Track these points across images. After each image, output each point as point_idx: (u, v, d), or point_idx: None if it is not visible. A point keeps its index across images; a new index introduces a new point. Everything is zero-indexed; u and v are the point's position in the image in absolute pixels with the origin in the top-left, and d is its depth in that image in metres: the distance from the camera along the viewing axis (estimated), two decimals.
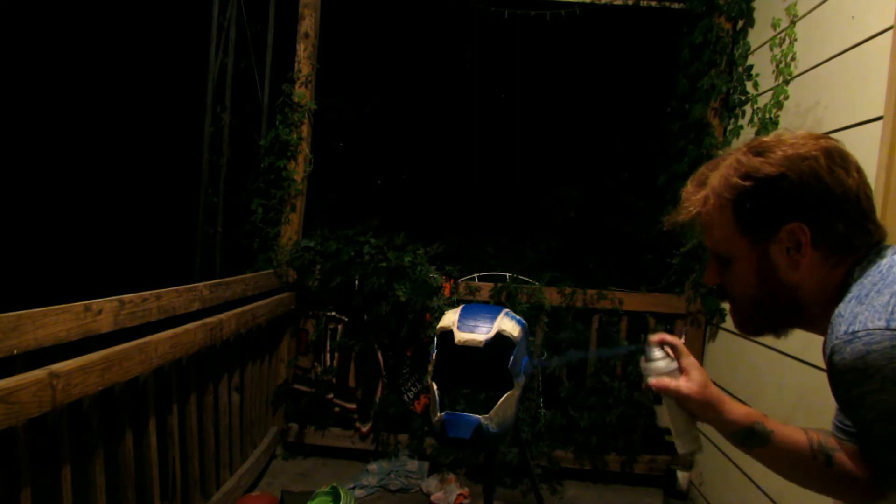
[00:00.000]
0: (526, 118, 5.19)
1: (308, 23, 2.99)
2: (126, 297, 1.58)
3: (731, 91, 2.63)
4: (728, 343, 2.56)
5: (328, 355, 2.97)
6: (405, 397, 2.93)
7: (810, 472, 0.85)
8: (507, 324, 1.73)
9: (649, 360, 0.92)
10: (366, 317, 2.89)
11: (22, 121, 5.02)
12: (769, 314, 0.83)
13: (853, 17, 1.75)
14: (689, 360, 0.92)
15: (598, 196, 5.22)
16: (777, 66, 2.22)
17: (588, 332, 2.92)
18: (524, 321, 1.86)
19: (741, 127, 2.55)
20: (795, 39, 2.13)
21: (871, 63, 1.64)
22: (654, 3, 2.99)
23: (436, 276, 2.86)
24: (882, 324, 0.64)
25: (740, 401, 2.29)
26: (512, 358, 1.71)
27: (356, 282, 2.85)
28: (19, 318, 1.20)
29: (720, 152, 0.87)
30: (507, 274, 2.97)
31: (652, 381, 0.91)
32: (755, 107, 2.43)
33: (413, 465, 2.82)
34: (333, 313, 2.96)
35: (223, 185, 3.35)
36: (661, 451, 2.88)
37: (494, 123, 5.26)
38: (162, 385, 1.83)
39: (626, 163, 5.11)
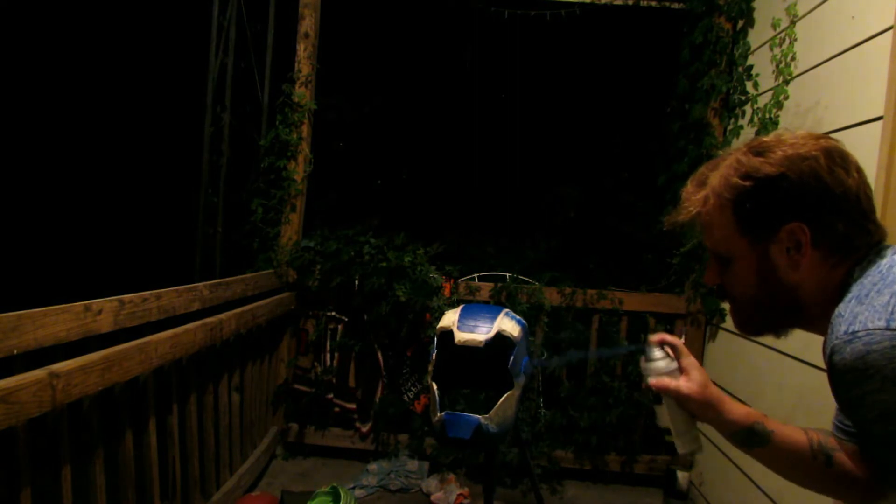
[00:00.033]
0: (526, 118, 5.18)
1: (308, 23, 2.99)
2: (126, 297, 1.58)
3: (731, 91, 2.63)
4: (728, 343, 2.56)
5: (328, 355, 2.97)
6: (405, 397, 2.93)
7: (810, 472, 0.85)
8: (507, 324, 1.73)
9: (649, 360, 0.93)
10: (366, 317, 2.89)
11: (22, 121, 5.02)
12: (769, 314, 0.83)
13: (853, 17, 1.75)
14: (689, 360, 0.92)
15: (598, 196, 5.21)
16: (777, 66, 2.22)
17: (588, 332, 2.92)
18: (524, 321, 1.86)
19: (741, 127, 2.55)
20: (795, 39, 2.13)
21: (871, 63, 1.64)
22: (654, 3, 2.99)
23: (436, 276, 2.86)
24: (882, 324, 0.64)
25: (740, 401, 2.28)
26: (512, 358, 1.71)
27: (356, 282, 2.85)
28: (19, 318, 1.20)
29: (720, 152, 0.87)
30: (507, 274, 2.97)
31: (652, 381, 0.91)
32: (755, 107, 2.43)
33: (413, 465, 2.82)
34: (333, 313, 2.97)
35: (223, 185, 3.35)
36: (661, 451, 2.88)
37: (494, 123, 5.26)
38: (162, 385, 1.82)
39: (626, 163, 5.11)
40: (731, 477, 2.27)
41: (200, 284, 2.06)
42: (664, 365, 0.91)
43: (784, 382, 1.95)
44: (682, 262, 2.81)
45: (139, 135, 5.49)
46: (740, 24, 2.64)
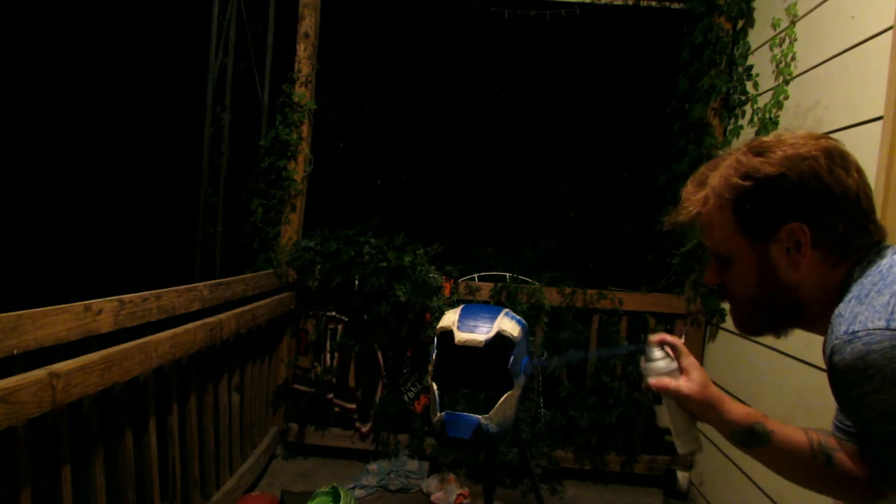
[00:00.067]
0: (526, 118, 5.18)
1: (308, 23, 2.99)
2: (126, 297, 1.58)
3: (731, 91, 2.63)
4: (728, 343, 2.56)
5: (328, 355, 2.97)
6: (405, 397, 2.93)
7: (810, 472, 0.85)
8: (507, 324, 1.73)
9: (649, 360, 0.92)
10: (366, 317, 2.89)
11: (23, 121, 5.02)
12: (769, 314, 0.83)
13: (853, 17, 1.75)
14: (689, 360, 0.92)
15: (598, 196, 5.21)
16: (777, 66, 2.22)
17: (588, 332, 2.92)
18: (524, 321, 1.86)
19: (741, 127, 2.55)
20: (795, 39, 2.13)
21: (871, 63, 1.64)
22: (654, 3, 2.99)
23: (436, 276, 2.86)
24: (882, 324, 0.64)
25: (740, 401, 2.28)
26: (512, 358, 1.71)
27: (356, 282, 2.85)
28: (19, 318, 1.20)
29: (720, 152, 0.87)
30: (507, 274, 2.97)
31: (652, 381, 0.91)
32: (755, 107, 2.43)
33: (413, 465, 2.82)
34: (333, 313, 2.96)
35: (223, 185, 3.35)
36: (661, 451, 2.89)
37: (494, 123, 5.26)
38: (162, 385, 1.82)
39: (626, 163, 5.11)
40: (731, 477, 2.27)
41: (200, 284, 2.06)
42: (664, 365, 0.91)
43: (784, 382, 1.95)
44: (682, 262, 2.81)
45: (139, 135, 5.49)
46: (740, 24, 2.64)
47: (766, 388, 2.10)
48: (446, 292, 2.86)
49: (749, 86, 2.52)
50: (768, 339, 1.87)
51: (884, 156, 1.50)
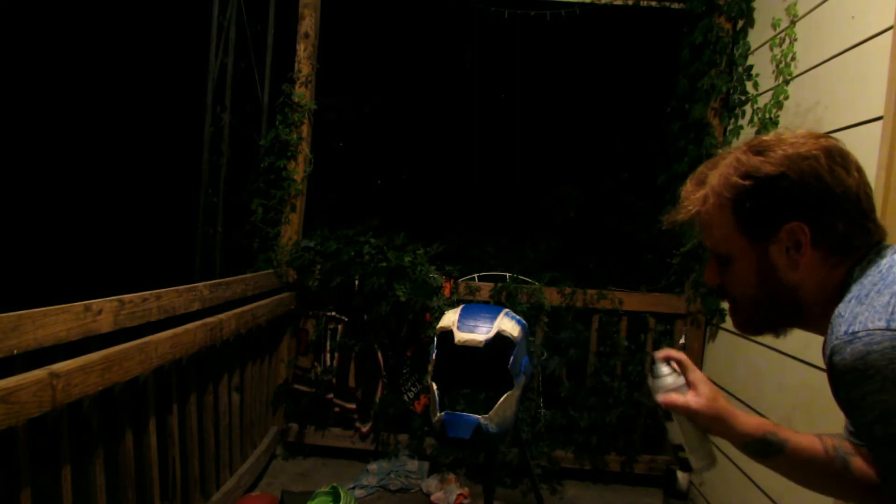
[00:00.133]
0: (526, 118, 5.18)
1: (308, 23, 2.99)
2: (126, 297, 1.58)
3: (731, 91, 2.63)
4: (728, 343, 2.56)
5: (328, 355, 2.97)
6: (405, 397, 2.93)
7: (829, 479, 0.84)
8: (507, 324, 1.73)
9: (656, 376, 0.91)
10: (366, 317, 2.89)
11: (23, 121, 5.02)
12: (769, 314, 0.83)
13: (853, 17, 1.75)
14: (696, 375, 0.90)
15: (598, 196, 5.21)
16: (777, 66, 2.22)
17: (588, 332, 2.92)
18: (524, 321, 1.86)
19: (741, 127, 2.55)
20: (795, 39, 2.13)
21: (871, 63, 1.64)
22: (654, 3, 2.99)
23: (436, 276, 2.86)
24: (882, 324, 0.64)
25: (740, 401, 2.27)
26: (512, 358, 1.71)
27: (356, 282, 2.85)
28: (19, 318, 1.20)
29: (720, 152, 0.86)
30: (507, 274, 2.97)
31: (660, 398, 0.90)
32: (755, 107, 2.43)
33: (413, 465, 2.82)
34: (333, 313, 2.96)
35: (223, 185, 3.35)
36: (661, 451, 2.89)
37: (494, 123, 5.26)
38: (162, 385, 1.82)
39: (626, 163, 5.10)
40: (731, 477, 2.27)
41: (200, 284, 2.06)
42: (671, 381, 0.90)
43: (784, 382, 1.95)
44: (682, 262, 2.81)
45: (139, 135, 5.49)
46: (740, 24, 2.64)
47: (766, 388, 2.10)
48: (446, 292, 2.86)
49: (749, 86, 2.52)
50: (768, 339, 1.87)
51: (884, 156, 1.50)
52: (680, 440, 0.90)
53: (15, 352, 1.19)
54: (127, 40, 5.23)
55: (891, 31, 1.54)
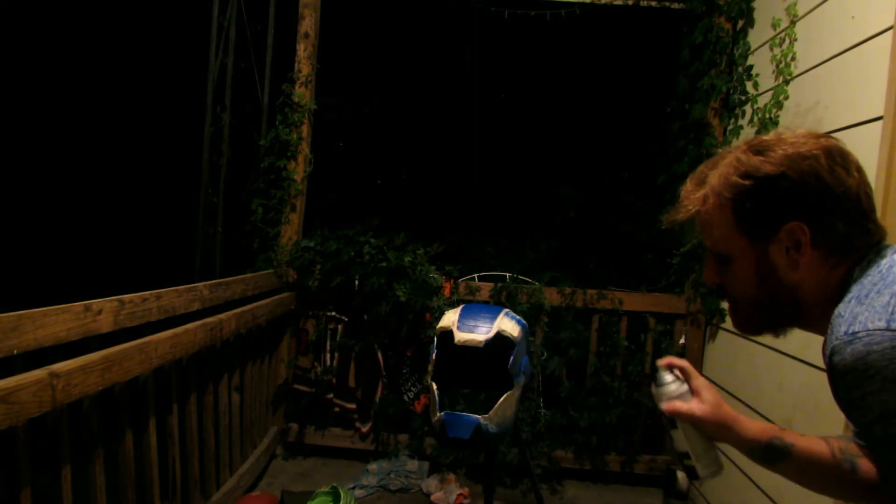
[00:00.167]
0: (526, 118, 5.18)
1: (308, 23, 2.99)
2: (126, 297, 1.58)
3: (731, 91, 2.63)
4: (728, 343, 2.56)
5: (328, 355, 2.97)
6: (405, 397, 2.93)
7: (837, 482, 0.83)
8: (507, 324, 1.73)
9: (659, 385, 0.91)
10: (366, 317, 2.89)
11: (23, 121, 5.02)
12: (769, 314, 0.83)
13: (853, 17, 1.75)
14: (699, 382, 0.90)
15: (598, 196, 5.21)
16: (777, 66, 2.22)
17: (588, 332, 2.92)
18: (524, 321, 1.86)
19: (741, 127, 2.55)
20: (795, 39, 2.13)
21: (871, 63, 1.64)
22: (654, 3, 2.99)
23: (436, 276, 2.86)
24: (882, 324, 0.63)
25: (740, 401, 2.26)
26: (512, 358, 1.71)
27: (356, 282, 2.85)
28: (19, 318, 1.20)
29: (720, 152, 0.86)
30: (507, 274, 2.97)
31: (664, 406, 0.89)
32: (755, 107, 2.43)
33: (413, 465, 2.82)
34: (333, 313, 2.97)
35: (223, 185, 3.35)
36: (661, 451, 2.89)
37: (494, 123, 5.26)
38: (162, 385, 1.83)
39: (626, 163, 5.10)
40: (731, 477, 2.27)
41: (200, 284, 2.06)
42: (675, 388, 0.90)
43: (784, 382, 1.95)
44: (682, 262, 2.81)
45: (139, 135, 5.49)
46: (740, 24, 2.64)
47: (766, 389, 2.10)
48: (446, 292, 2.86)
49: (749, 86, 2.52)
50: (768, 339, 1.87)
51: (884, 156, 1.50)
52: (685, 448, 0.90)
53: (15, 352, 1.19)
54: (127, 40, 5.23)
55: (891, 31, 1.54)
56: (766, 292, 0.80)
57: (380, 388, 2.96)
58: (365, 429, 2.97)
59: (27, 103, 5.04)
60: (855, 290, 0.72)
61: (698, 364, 2.75)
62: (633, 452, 2.87)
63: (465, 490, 2.62)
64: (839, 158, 0.75)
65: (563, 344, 2.90)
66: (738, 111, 2.59)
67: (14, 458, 1.20)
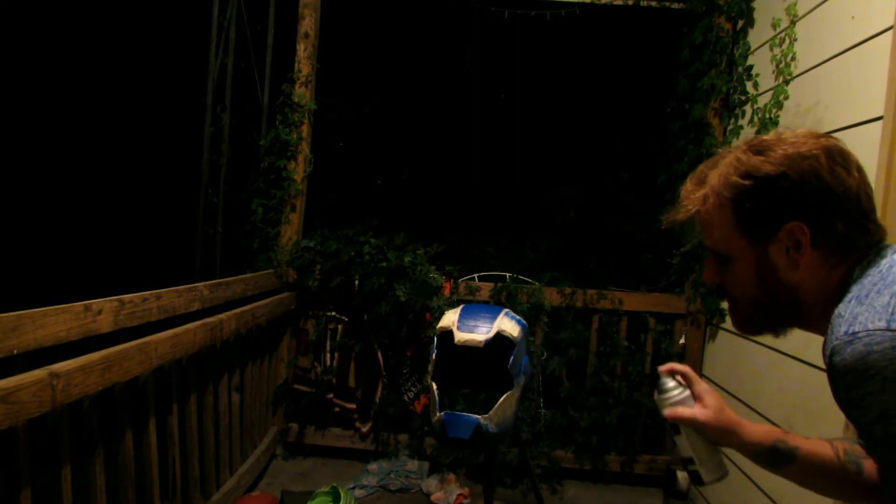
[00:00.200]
0: (526, 118, 5.18)
1: (308, 23, 2.99)
2: (126, 297, 1.58)
3: (731, 91, 2.63)
4: (728, 343, 2.56)
5: (328, 355, 2.97)
6: (405, 397, 2.93)
7: (843, 484, 0.82)
8: (507, 324, 1.73)
9: (662, 391, 0.91)
10: (366, 317, 2.89)
11: (23, 121, 5.02)
12: (769, 314, 0.83)
13: (853, 17, 1.75)
14: (702, 387, 0.89)
15: (598, 196, 5.21)
16: (777, 66, 2.22)
17: (588, 332, 2.92)
18: (524, 321, 1.86)
19: (741, 127, 2.55)
20: (795, 39, 2.13)
21: (871, 63, 1.64)
22: (654, 3, 2.99)
23: (436, 276, 2.86)
24: (882, 324, 0.63)
25: (740, 401, 2.26)
26: (512, 358, 1.71)
27: (356, 282, 2.85)
28: (19, 318, 1.20)
29: (720, 152, 0.86)
30: (507, 274, 2.97)
31: (667, 412, 0.89)
32: (755, 107, 2.43)
33: (413, 465, 2.82)
34: (333, 313, 2.96)
35: (223, 185, 3.35)
36: (661, 451, 2.89)
37: (494, 123, 5.26)
38: (162, 385, 1.83)
39: (626, 163, 5.10)
40: (731, 477, 2.26)
41: (200, 284, 2.06)
42: (677, 394, 0.90)
43: (784, 382, 1.95)
44: (682, 262, 2.81)
45: (139, 135, 5.49)
46: (740, 24, 2.64)
47: (766, 388, 2.10)
48: (446, 292, 2.86)
49: (749, 86, 2.52)
50: (768, 339, 1.87)
51: (884, 156, 1.50)
52: (689, 453, 0.90)
53: (15, 352, 1.19)
54: (127, 40, 5.23)
55: (891, 31, 1.54)
56: (766, 292, 0.80)
57: (380, 388, 2.96)
58: (365, 429, 2.97)
59: (27, 103, 5.04)
60: (855, 290, 0.72)
61: (698, 364, 2.75)
62: (633, 452, 2.87)
63: (465, 490, 2.62)
64: (839, 158, 0.74)
65: (563, 344, 2.90)
66: (738, 111, 2.59)
67: (14, 458, 1.20)
